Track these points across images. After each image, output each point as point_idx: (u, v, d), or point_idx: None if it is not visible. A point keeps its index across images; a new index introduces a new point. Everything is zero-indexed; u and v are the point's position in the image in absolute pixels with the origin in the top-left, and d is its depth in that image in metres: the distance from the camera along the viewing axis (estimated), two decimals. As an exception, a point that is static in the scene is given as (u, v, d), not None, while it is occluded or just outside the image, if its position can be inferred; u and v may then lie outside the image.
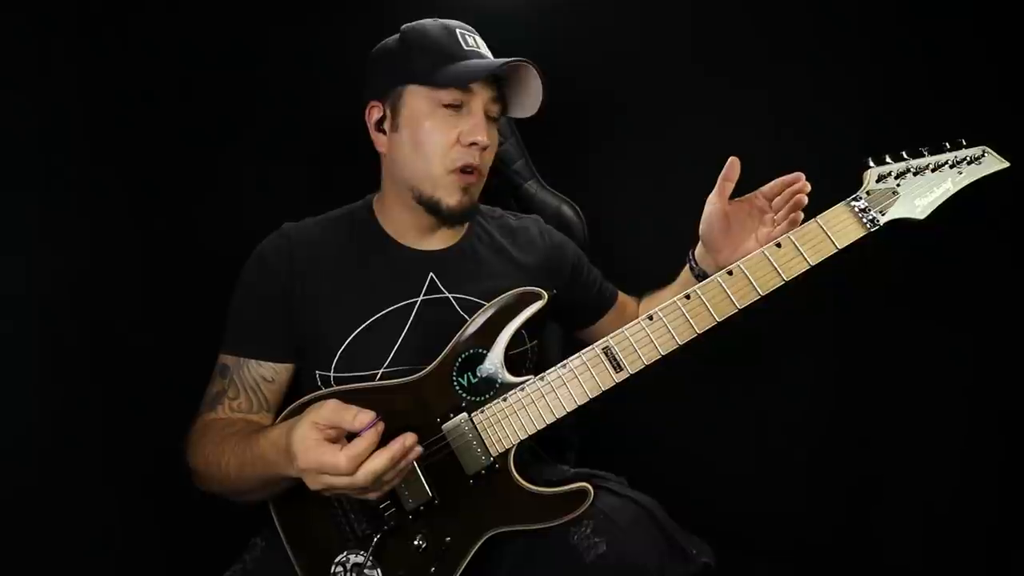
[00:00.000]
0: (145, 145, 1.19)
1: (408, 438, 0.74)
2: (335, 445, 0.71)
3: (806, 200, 0.90)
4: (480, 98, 0.90)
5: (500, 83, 0.93)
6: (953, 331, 1.41)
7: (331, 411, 0.72)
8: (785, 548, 1.52)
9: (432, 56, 0.89)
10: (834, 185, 0.85)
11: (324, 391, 0.88)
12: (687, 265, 1.05)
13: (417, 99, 0.90)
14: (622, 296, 1.17)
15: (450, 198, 0.91)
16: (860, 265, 0.82)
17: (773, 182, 0.94)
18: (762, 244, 0.86)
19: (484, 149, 0.91)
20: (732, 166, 0.92)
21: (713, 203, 0.95)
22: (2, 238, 1.04)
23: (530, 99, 0.94)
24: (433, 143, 0.89)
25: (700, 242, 1.00)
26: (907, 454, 1.47)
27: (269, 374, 0.92)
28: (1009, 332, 1.39)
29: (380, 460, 0.71)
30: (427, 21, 0.94)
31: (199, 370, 0.96)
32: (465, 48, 0.90)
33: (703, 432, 1.54)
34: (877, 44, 1.35)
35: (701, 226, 0.97)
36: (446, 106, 0.89)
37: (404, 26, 0.94)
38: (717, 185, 0.94)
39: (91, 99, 1.15)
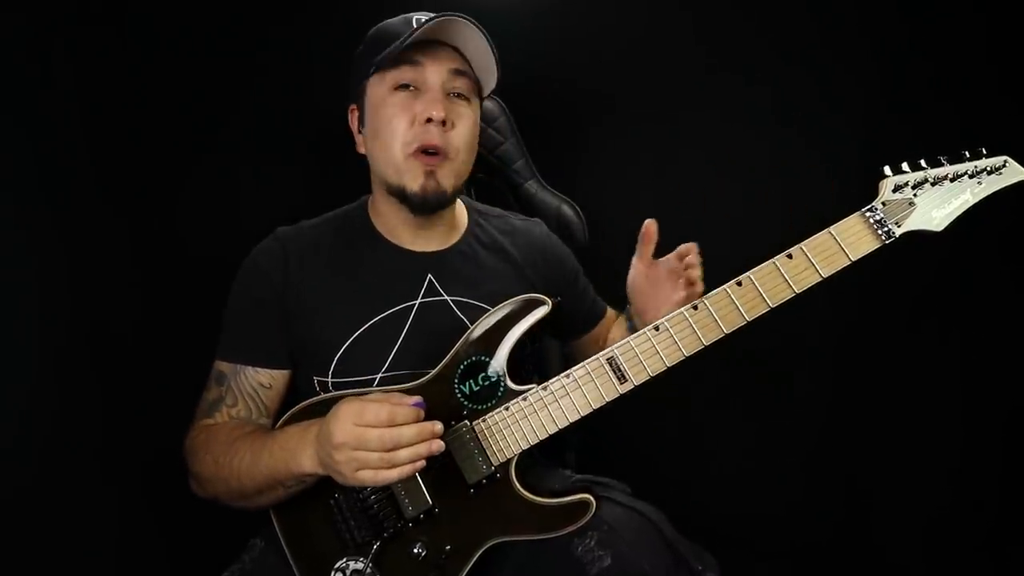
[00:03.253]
0: (143, 147, 1.19)
1: (437, 424, 0.74)
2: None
3: (697, 272, 0.87)
4: (434, 73, 0.86)
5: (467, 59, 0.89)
6: (950, 333, 1.41)
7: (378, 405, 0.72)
8: (784, 549, 1.52)
9: (383, 44, 0.86)
10: (834, 183, 0.83)
11: (325, 396, 0.87)
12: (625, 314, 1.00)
13: (374, 88, 0.89)
14: (610, 311, 1.13)
15: (413, 183, 0.87)
16: (859, 269, 0.80)
17: (676, 250, 0.90)
18: (678, 306, 0.82)
19: (448, 127, 0.87)
20: (648, 230, 0.88)
21: (634, 265, 0.92)
22: (2, 238, 1.03)
23: (483, 65, 0.89)
24: (391, 127, 0.87)
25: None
26: (905, 455, 1.47)
27: (267, 380, 0.91)
28: (1006, 334, 1.38)
29: (409, 430, 0.71)
30: (397, 17, 0.91)
31: (199, 370, 0.95)
32: (414, 27, 0.85)
33: (702, 432, 1.54)
34: (878, 43, 1.33)
35: (627, 287, 0.94)
36: (400, 88, 0.87)
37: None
38: (637, 248, 0.90)
39: (89, 100, 1.14)
